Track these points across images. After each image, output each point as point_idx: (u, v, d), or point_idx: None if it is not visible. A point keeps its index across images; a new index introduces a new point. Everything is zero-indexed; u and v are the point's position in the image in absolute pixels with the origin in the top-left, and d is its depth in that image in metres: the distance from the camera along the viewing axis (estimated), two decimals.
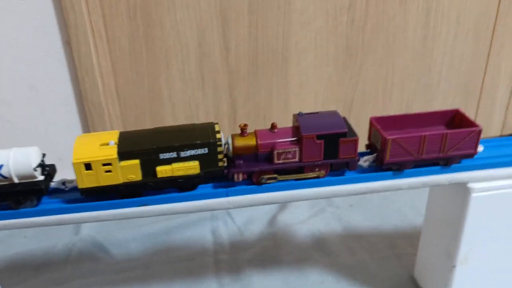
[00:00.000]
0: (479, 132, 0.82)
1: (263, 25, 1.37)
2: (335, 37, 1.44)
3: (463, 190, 0.86)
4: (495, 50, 1.60)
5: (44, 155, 0.81)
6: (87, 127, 1.37)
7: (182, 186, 0.81)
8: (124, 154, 0.76)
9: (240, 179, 0.80)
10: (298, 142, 0.80)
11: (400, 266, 1.15)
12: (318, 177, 0.82)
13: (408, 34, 1.49)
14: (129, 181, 0.78)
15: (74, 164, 0.75)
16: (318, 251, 1.20)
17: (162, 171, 0.78)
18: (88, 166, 0.75)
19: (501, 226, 0.90)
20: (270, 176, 0.81)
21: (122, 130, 1.39)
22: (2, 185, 0.76)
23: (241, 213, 1.35)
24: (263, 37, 1.39)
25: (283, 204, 1.39)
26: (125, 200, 0.80)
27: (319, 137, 0.79)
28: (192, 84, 1.41)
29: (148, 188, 0.79)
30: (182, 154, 0.78)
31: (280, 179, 0.82)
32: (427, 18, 1.48)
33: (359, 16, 1.42)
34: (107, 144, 0.77)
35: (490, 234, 0.90)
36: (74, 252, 1.24)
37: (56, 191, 0.84)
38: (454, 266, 0.92)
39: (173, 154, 0.78)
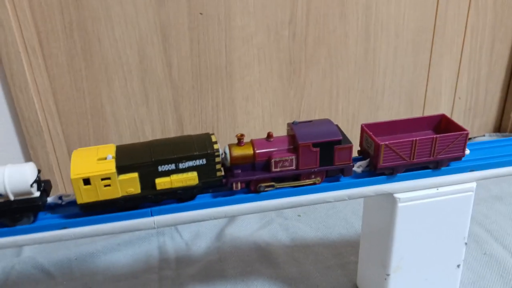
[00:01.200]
0: (467, 135, 0.85)
1: (204, 41, 1.38)
2: (278, 51, 1.46)
3: (391, 200, 0.87)
4: (435, 60, 1.66)
5: (39, 171, 0.79)
6: (25, 146, 1.33)
7: (181, 197, 0.81)
8: (122, 168, 0.76)
9: (239, 188, 0.82)
10: (295, 150, 0.82)
11: (343, 275, 1.16)
12: (314, 183, 0.84)
13: (350, 47, 1.53)
14: (128, 194, 0.77)
15: (72, 180, 0.74)
16: (263, 263, 1.20)
17: (161, 183, 0.78)
18: (86, 181, 0.74)
19: (429, 234, 0.92)
20: (268, 184, 0.82)
21: (65, 147, 1.39)
22: None
23: (189, 228, 1.34)
24: (205, 52, 1.40)
25: (230, 218, 1.38)
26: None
27: (315, 145, 0.81)
28: (136, 100, 1.40)
29: (147, 201, 0.79)
30: (181, 165, 0.78)
31: (278, 186, 0.83)
32: (367, 31, 1.52)
33: (300, 30, 1.45)
34: (105, 159, 0.76)
35: (420, 242, 0.92)
36: (12, 275, 1.19)
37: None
38: (388, 275, 0.93)
39: (172, 166, 0.78)
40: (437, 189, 0.88)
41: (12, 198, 0.75)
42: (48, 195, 0.81)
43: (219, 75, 1.44)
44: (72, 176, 0.74)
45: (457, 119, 1.81)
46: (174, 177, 0.78)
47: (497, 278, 1.14)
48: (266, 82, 1.50)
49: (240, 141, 0.82)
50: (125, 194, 0.77)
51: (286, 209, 0.86)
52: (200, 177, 0.79)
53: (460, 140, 0.85)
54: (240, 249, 1.25)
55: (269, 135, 0.83)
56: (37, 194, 0.76)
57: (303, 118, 1.59)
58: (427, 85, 1.70)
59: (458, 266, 0.97)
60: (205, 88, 1.45)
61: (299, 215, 1.40)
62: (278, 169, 0.82)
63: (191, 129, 1.48)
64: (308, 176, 0.84)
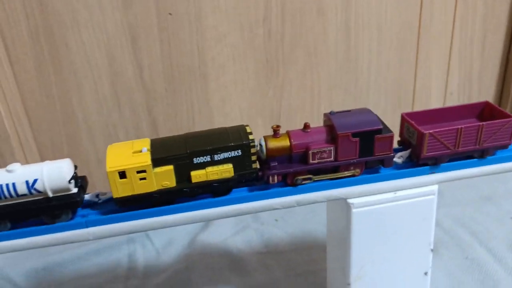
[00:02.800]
0: None
1: (175, 42, 1.34)
2: (253, 51, 1.42)
3: (345, 205, 0.82)
4: (422, 55, 1.59)
5: (76, 167, 0.79)
6: None
7: (217, 191, 0.79)
8: (158, 160, 0.75)
9: (276, 181, 0.79)
10: (333, 141, 0.79)
11: (313, 283, 1.11)
12: (353, 175, 0.81)
13: (330, 44, 1.48)
14: (163, 188, 0.76)
15: (108, 173, 0.74)
16: (232, 271, 1.16)
17: (197, 175, 0.76)
18: (122, 175, 0.73)
19: (391, 241, 0.86)
20: (305, 176, 0.80)
21: (37, 155, 1.37)
22: (37, 200, 0.74)
23: (161, 234, 1.31)
24: (177, 54, 1.36)
25: (206, 223, 1.35)
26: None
27: (355, 135, 0.78)
28: (107, 104, 1.37)
29: (183, 195, 0.77)
30: (216, 157, 0.77)
31: (315, 179, 0.80)
32: (347, 27, 1.47)
33: (275, 28, 1.41)
34: (140, 151, 0.75)
35: (381, 250, 0.86)
36: None
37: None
38: (348, 284, 0.88)
39: (207, 158, 0.76)
40: (395, 193, 0.83)
41: (51, 195, 0.74)
42: (85, 192, 0.80)
43: (192, 77, 1.40)
44: (108, 169, 0.73)
45: None
46: (210, 169, 0.77)
47: (477, 285, 1.07)
48: (243, 83, 1.46)
49: (276, 133, 0.79)
50: (160, 187, 0.76)
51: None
52: (235, 169, 0.78)
53: (507, 127, 0.82)
54: (211, 256, 1.22)
55: (306, 126, 0.80)
56: (75, 190, 0.76)
57: (283, 119, 1.54)
58: (415, 81, 1.63)
59: (426, 273, 0.91)
60: (179, 90, 1.41)
61: (276, 220, 1.36)
62: (316, 161, 0.79)
63: (166, 132, 1.45)
64: (346, 168, 0.81)
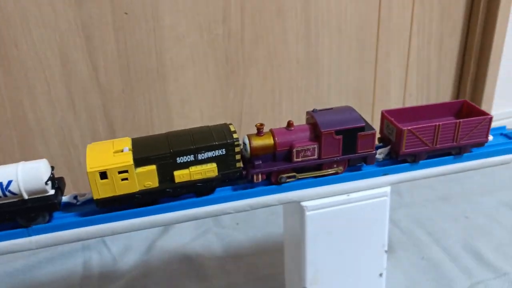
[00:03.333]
0: (490, 120, 0.83)
1: (132, 41, 1.31)
2: (213, 51, 1.40)
3: (299, 208, 0.82)
4: (381, 56, 1.61)
5: (53, 168, 0.74)
6: None
7: (201, 191, 0.77)
8: (140, 160, 0.73)
9: (260, 179, 0.78)
10: (317, 138, 0.78)
11: (272, 287, 1.10)
12: (336, 173, 0.81)
13: (290, 45, 1.47)
14: (146, 188, 0.74)
15: (89, 174, 0.70)
16: (191, 277, 1.14)
17: (180, 175, 0.75)
18: (103, 175, 0.71)
19: (345, 243, 0.86)
20: (289, 174, 0.79)
21: None
22: (11, 202, 0.71)
23: (118, 241, 1.27)
24: (133, 54, 1.32)
25: (165, 227, 1.32)
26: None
27: (338, 132, 0.78)
28: (61, 106, 1.32)
29: (166, 195, 0.76)
30: (200, 156, 0.75)
31: (299, 177, 0.80)
32: (307, 28, 1.46)
33: (235, 28, 1.39)
34: (121, 151, 0.73)
35: (336, 252, 0.86)
36: None
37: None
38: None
39: (191, 157, 0.75)
40: (348, 195, 0.83)
41: (26, 197, 0.71)
42: (62, 193, 0.77)
43: (150, 78, 1.37)
44: (89, 169, 0.71)
45: None
46: (193, 169, 0.75)
47: (432, 284, 1.09)
48: (203, 84, 1.43)
49: (259, 131, 0.78)
50: (143, 188, 0.74)
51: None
52: (219, 168, 0.76)
53: (484, 124, 0.84)
54: (169, 262, 1.19)
55: (289, 124, 0.80)
56: (51, 192, 0.73)
57: (245, 120, 1.53)
58: (375, 82, 1.65)
59: (381, 275, 0.92)
60: (137, 92, 1.38)
61: (237, 223, 1.34)
62: (300, 159, 0.79)
63: (124, 135, 1.40)
64: (330, 166, 0.81)
